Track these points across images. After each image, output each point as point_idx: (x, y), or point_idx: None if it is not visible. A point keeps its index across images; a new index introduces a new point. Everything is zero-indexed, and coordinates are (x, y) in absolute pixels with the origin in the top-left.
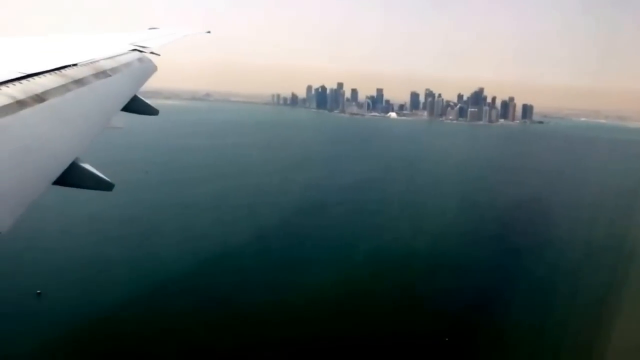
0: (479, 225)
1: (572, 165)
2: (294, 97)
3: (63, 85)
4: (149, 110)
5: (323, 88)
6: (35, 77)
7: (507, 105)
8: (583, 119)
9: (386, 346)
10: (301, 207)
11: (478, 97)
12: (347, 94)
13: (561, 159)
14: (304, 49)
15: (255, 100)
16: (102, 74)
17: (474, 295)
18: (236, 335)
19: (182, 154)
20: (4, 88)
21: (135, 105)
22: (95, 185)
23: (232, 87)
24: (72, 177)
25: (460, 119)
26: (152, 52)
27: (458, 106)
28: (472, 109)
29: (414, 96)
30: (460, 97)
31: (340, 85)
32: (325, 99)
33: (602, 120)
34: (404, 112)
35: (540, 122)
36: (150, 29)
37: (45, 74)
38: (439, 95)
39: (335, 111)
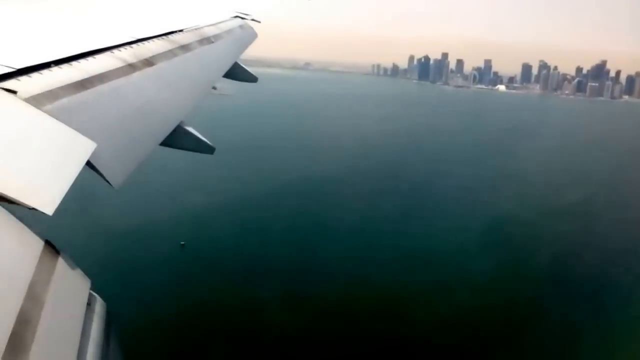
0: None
1: None
2: (395, 68)
3: (170, 51)
4: (249, 77)
5: (426, 58)
6: (145, 42)
7: (633, 80)
8: None
9: None
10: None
11: (600, 71)
12: (452, 65)
13: None
14: (407, 17)
15: (354, 70)
16: (205, 40)
17: None
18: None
19: (286, 122)
20: (116, 52)
21: (235, 72)
22: (197, 148)
23: (332, 57)
24: (177, 139)
25: (578, 93)
26: (253, 19)
27: (576, 80)
28: (593, 84)
29: (526, 68)
30: (579, 70)
31: (444, 55)
32: (427, 70)
33: None
34: (514, 85)
35: None
36: None
37: (154, 39)
38: (555, 68)
39: (439, 83)
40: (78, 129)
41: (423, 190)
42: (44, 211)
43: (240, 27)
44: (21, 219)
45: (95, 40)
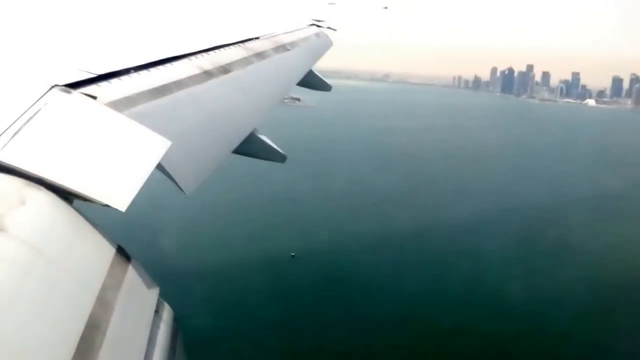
0: None
1: None
2: (477, 80)
3: (245, 58)
4: (323, 86)
5: (510, 70)
6: (222, 49)
7: None
8: None
9: None
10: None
11: None
12: (537, 77)
13: None
14: (488, 28)
15: (434, 82)
16: (281, 47)
17: None
18: None
19: (370, 134)
20: (193, 59)
21: (309, 80)
22: (269, 156)
23: (410, 68)
24: (250, 147)
25: None
26: (329, 27)
27: None
28: None
29: (617, 81)
30: None
31: (529, 67)
32: (511, 82)
33: None
34: (604, 99)
35: None
36: (329, 3)
37: (231, 47)
38: None
39: (523, 96)
40: None
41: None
42: (116, 208)
43: (316, 35)
44: (96, 224)
45: (174, 47)
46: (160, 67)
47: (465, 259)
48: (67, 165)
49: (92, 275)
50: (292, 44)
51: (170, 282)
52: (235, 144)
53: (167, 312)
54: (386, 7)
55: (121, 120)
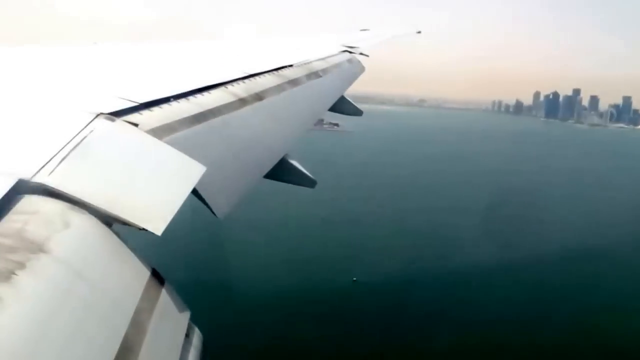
0: None
1: None
2: (519, 104)
3: (279, 85)
4: (354, 111)
5: (555, 94)
6: (256, 77)
7: None
8: None
9: None
10: None
11: None
12: (584, 101)
13: None
14: (529, 52)
15: (472, 107)
16: (314, 74)
17: None
18: None
19: (422, 161)
20: (229, 87)
21: (341, 106)
22: (299, 181)
23: (446, 93)
24: (281, 172)
25: None
26: (361, 53)
27: None
28: None
29: None
30: None
31: (576, 91)
32: (556, 106)
33: None
34: None
35: None
36: (361, 30)
37: (265, 74)
38: None
39: (570, 121)
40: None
41: None
42: (153, 231)
43: (348, 61)
44: (133, 247)
45: (212, 76)
46: (198, 95)
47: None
48: (109, 189)
49: (127, 297)
50: (325, 71)
51: (235, 311)
52: (267, 168)
53: (196, 337)
54: (420, 32)
55: (160, 146)
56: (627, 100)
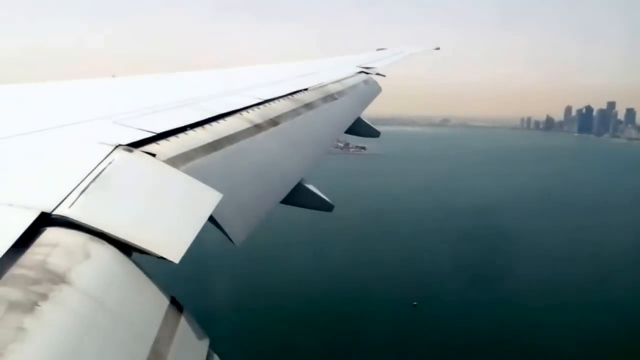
0: None
1: None
2: (549, 120)
3: (294, 110)
4: (372, 133)
5: (588, 109)
6: (271, 103)
7: None
8: None
9: None
10: None
11: None
12: (620, 115)
13: None
14: (558, 66)
15: (499, 125)
16: (329, 97)
17: None
18: None
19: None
20: (244, 113)
21: (358, 128)
22: (317, 206)
23: (471, 111)
24: (297, 196)
25: None
26: (377, 74)
27: None
28: None
29: None
30: None
31: (611, 104)
32: (590, 121)
33: None
34: None
35: None
36: (378, 50)
37: (280, 99)
38: None
39: (605, 135)
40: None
41: None
42: (171, 259)
43: (364, 82)
44: (151, 275)
45: (227, 104)
46: (214, 123)
47: None
48: (128, 219)
49: (147, 326)
50: (340, 93)
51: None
52: (284, 194)
53: None
54: (438, 48)
55: (177, 175)
56: None
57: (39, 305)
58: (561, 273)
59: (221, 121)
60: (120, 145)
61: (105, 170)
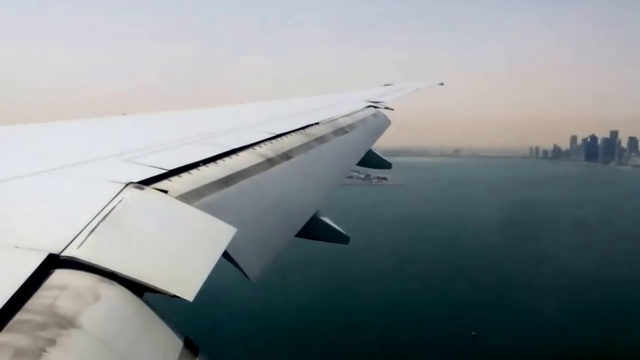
0: None
1: None
2: (556, 149)
3: (306, 144)
4: (383, 164)
5: (593, 137)
6: (283, 137)
7: None
8: None
9: None
10: None
11: None
12: (623, 143)
13: None
14: (560, 98)
15: (509, 155)
16: (340, 130)
17: None
18: None
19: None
20: (257, 148)
21: (369, 160)
22: (332, 238)
23: (481, 142)
24: (312, 229)
25: None
26: (386, 107)
27: None
28: None
29: None
30: None
31: (614, 133)
32: (595, 150)
33: None
34: None
35: None
36: (384, 85)
37: (292, 134)
38: None
39: (612, 163)
40: None
41: None
42: (184, 298)
43: (374, 115)
44: (165, 315)
45: (239, 139)
46: (226, 159)
47: None
48: (139, 258)
49: None
50: (351, 126)
51: None
52: (299, 227)
53: None
54: (442, 84)
55: (190, 211)
56: None
57: (46, 352)
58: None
59: (234, 156)
60: (131, 182)
61: (116, 209)
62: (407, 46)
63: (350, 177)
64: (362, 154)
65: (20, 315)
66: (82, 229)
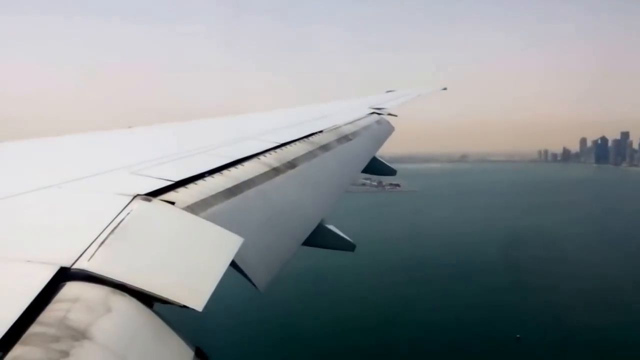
0: None
1: None
2: (566, 152)
3: (310, 152)
4: (387, 171)
5: (603, 139)
6: (288, 146)
7: None
8: None
9: None
10: None
11: None
12: (634, 144)
13: None
14: (567, 100)
15: (518, 159)
16: (344, 138)
17: None
18: None
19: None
20: (262, 157)
21: (374, 166)
22: (338, 246)
23: (488, 147)
24: (318, 238)
25: None
26: (389, 114)
27: None
28: None
29: None
30: None
31: (624, 134)
32: (606, 151)
33: None
34: None
35: None
36: (387, 91)
37: (296, 142)
38: None
39: (623, 164)
40: None
41: None
42: (194, 308)
43: (377, 122)
44: (175, 326)
45: (244, 149)
46: (232, 169)
47: None
48: (149, 269)
49: None
50: (354, 134)
51: None
52: (305, 235)
53: None
54: (445, 88)
55: (197, 222)
56: None
57: None
58: None
59: (239, 166)
60: (138, 195)
61: (124, 221)
62: (409, 48)
63: (363, 184)
64: (366, 161)
65: (33, 328)
66: (91, 241)
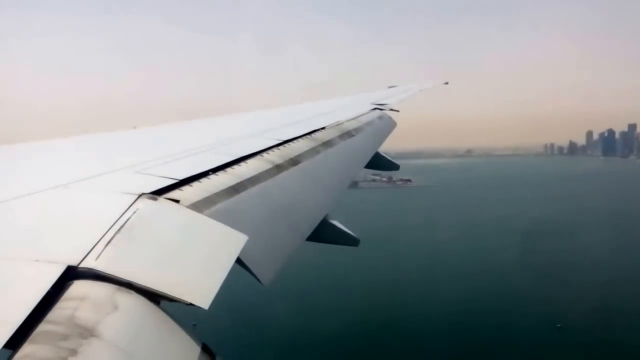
0: None
1: None
2: (572, 145)
3: (313, 148)
4: (390, 166)
5: (610, 132)
6: (291, 143)
7: None
8: None
9: None
10: None
11: None
12: None
13: None
14: (573, 93)
15: (523, 152)
16: (346, 134)
17: None
18: None
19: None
20: (265, 155)
21: (377, 162)
22: (342, 241)
23: (493, 141)
24: (322, 233)
25: None
26: (391, 109)
27: None
28: None
29: None
30: None
31: (632, 126)
32: (613, 144)
33: None
34: None
35: None
36: (389, 87)
37: (299, 139)
38: None
39: (631, 156)
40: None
41: None
42: (200, 305)
43: (379, 118)
44: (182, 323)
45: (247, 147)
46: (235, 166)
47: None
48: (155, 267)
49: None
50: (357, 130)
51: None
52: (309, 231)
53: None
54: (447, 83)
55: (202, 220)
56: None
57: None
58: None
59: (242, 164)
60: (143, 193)
61: (130, 220)
62: (413, 44)
63: (373, 180)
64: (369, 156)
65: (42, 327)
66: (98, 240)
